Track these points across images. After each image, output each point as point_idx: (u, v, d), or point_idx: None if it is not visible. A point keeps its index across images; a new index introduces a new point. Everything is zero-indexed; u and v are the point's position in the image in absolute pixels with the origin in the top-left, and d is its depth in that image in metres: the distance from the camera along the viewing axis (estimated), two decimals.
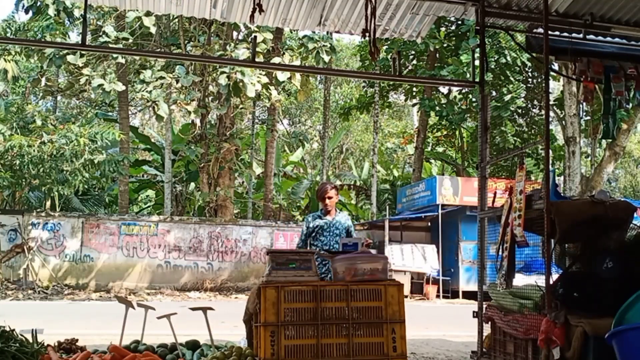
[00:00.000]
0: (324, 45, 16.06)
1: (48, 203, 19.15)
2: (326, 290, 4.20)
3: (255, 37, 7.75)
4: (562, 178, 17.16)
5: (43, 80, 17.52)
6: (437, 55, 21.41)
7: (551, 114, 19.27)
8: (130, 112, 22.87)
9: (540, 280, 4.57)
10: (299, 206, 26.52)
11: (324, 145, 23.50)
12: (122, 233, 17.11)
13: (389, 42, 19.12)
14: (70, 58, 15.19)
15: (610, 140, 13.23)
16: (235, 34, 18.73)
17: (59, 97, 25.69)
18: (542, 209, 4.54)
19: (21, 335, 4.75)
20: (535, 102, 22.45)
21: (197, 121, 18.33)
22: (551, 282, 4.42)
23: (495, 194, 5.73)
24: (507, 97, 19.45)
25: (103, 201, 24.15)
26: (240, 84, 15.43)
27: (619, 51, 6.31)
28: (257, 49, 13.48)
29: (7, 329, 4.61)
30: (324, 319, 4.15)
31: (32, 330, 4.93)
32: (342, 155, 33.58)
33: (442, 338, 8.32)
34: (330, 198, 5.90)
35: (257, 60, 8.49)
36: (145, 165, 23.85)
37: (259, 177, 24.01)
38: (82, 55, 15.49)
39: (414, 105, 25.35)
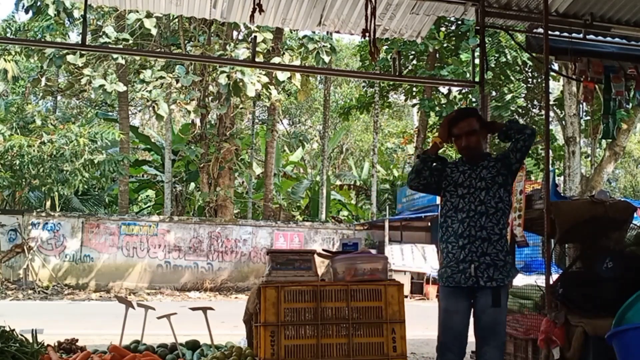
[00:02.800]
0: (324, 46, 16.06)
1: (48, 203, 19.15)
2: (326, 290, 4.20)
3: (255, 37, 7.76)
4: (562, 178, 17.14)
5: (43, 80, 17.53)
6: (437, 55, 21.41)
7: (551, 114, 19.27)
8: (130, 112, 22.88)
9: (540, 280, 4.58)
10: (299, 206, 26.51)
11: (324, 145, 23.49)
12: (122, 233, 17.11)
13: (389, 42, 19.11)
14: (70, 58, 15.19)
15: (610, 140, 13.22)
16: (235, 34, 18.74)
17: (59, 97, 25.69)
18: (542, 209, 4.54)
19: (21, 335, 4.75)
20: (535, 102, 22.44)
21: (197, 121, 18.33)
22: (551, 282, 4.42)
23: None
24: (508, 97, 19.43)
25: (103, 201, 24.15)
26: (240, 83, 15.43)
27: (619, 51, 6.31)
28: (257, 49, 13.47)
29: (7, 329, 4.61)
30: (324, 319, 4.15)
31: (32, 330, 4.93)
32: (342, 155, 33.58)
33: None
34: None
35: (257, 60, 8.50)
36: (145, 165, 23.85)
37: (259, 177, 24.01)
38: (81, 56, 15.49)
39: (413, 105, 25.34)
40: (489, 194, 3.49)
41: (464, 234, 3.44)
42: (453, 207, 3.53)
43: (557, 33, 6.11)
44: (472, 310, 3.48)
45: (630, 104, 6.47)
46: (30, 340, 4.74)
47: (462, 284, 3.41)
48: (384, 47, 19.71)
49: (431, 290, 17.25)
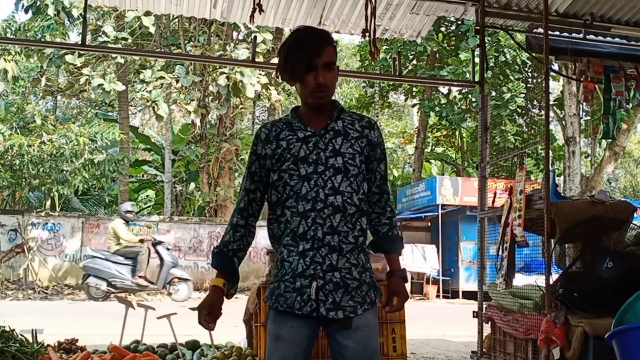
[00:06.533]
0: None
1: (48, 203, 19.15)
2: None
3: (255, 37, 7.74)
4: (562, 178, 17.15)
5: (43, 80, 17.53)
6: (437, 55, 21.42)
7: (551, 114, 19.27)
8: (130, 112, 22.88)
9: (540, 280, 4.57)
10: None
11: None
12: None
13: (388, 42, 19.12)
14: (68, 58, 15.18)
15: (610, 140, 13.23)
16: (235, 34, 18.74)
17: (58, 97, 25.69)
18: (542, 209, 4.54)
19: (21, 335, 4.75)
20: (535, 102, 22.46)
21: (197, 121, 18.33)
22: (551, 282, 4.43)
23: (495, 194, 5.74)
24: (507, 96, 19.44)
25: (103, 201, 24.15)
26: (240, 84, 15.44)
27: (619, 51, 6.32)
28: (257, 49, 13.47)
29: (7, 329, 4.61)
30: None
31: (32, 330, 4.93)
32: None
33: (442, 338, 8.32)
34: None
35: (257, 60, 8.50)
36: (145, 165, 23.85)
37: None
38: (81, 55, 15.49)
39: (413, 105, 25.35)
40: (347, 179, 2.24)
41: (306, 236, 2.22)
42: (294, 193, 2.23)
43: (557, 33, 6.12)
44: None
45: (630, 104, 6.47)
46: (30, 340, 4.75)
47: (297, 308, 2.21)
48: (384, 47, 19.71)
49: (431, 290, 17.27)
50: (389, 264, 2.44)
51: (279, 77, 2.37)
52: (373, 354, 2.24)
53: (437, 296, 17.20)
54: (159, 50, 17.09)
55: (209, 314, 2.29)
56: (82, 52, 14.04)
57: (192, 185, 22.08)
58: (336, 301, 2.19)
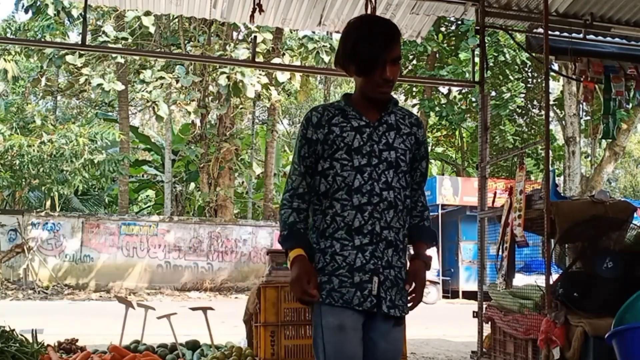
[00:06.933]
0: (323, 46, 16.07)
1: (48, 203, 19.15)
2: None
3: (255, 37, 7.76)
4: (562, 178, 17.15)
5: (43, 80, 17.55)
6: (437, 55, 21.42)
7: (551, 114, 19.27)
8: (130, 112, 22.86)
9: (540, 280, 4.57)
10: None
11: None
12: (122, 233, 17.10)
13: None
14: (69, 58, 15.20)
15: (610, 140, 13.24)
16: (235, 34, 18.74)
17: (59, 97, 25.68)
18: (542, 209, 4.54)
19: (21, 335, 4.76)
20: (535, 102, 22.45)
21: (197, 121, 18.33)
22: (551, 282, 4.43)
23: (495, 194, 5.74)
24: (507, 96, 19.46)
25: (103, 201, 24.15)
26: (240, 84, 15.44)
27: (619, 51, 6.32)
28: (257, 49, 13.48)
29: (7, 329, 4.61)
30: None
31: (32, 330, 4.93)
32: None
33: (442, 338, 8.33)
34: None
35: (257, 60, 8.50)
36: (145, 165, 23.85)
37: (259, 177, 24.01)
38: (81, 55, 15.50)
39: (413, 105, 25.34)
40: (397, 175, 2.18)
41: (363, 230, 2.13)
42: (345, 185, 2.14)
43: (557, 33, 6.12)
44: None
45: (630, 104, 6.47)
46: (30, 340, 4.75)
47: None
48: None
49: (431, 290, 17.25)
50: (415, 249, 2.36)
51: (335, 63, 2.28)
52: (398, 356, 2.24)
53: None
54: (159, 50, 17.10)
55: (308, 282, 2.08)
56: (82, 52, 14.05)
57: (192, 185, 22.08)
58: (392, 299, 2.15)
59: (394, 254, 2.17)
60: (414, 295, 2.23)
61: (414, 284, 2.24)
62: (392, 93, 2.35)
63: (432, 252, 2.73)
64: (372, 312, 2.12)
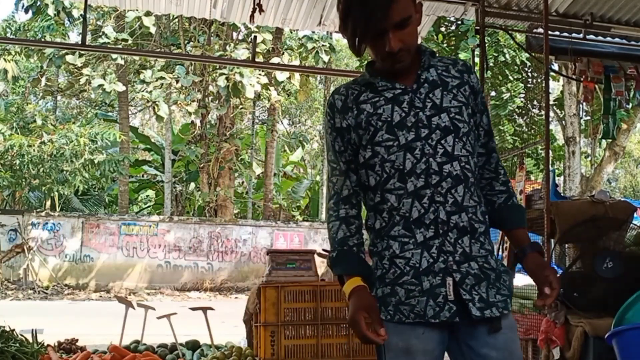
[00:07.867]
0: (323, 45, 16.07)
1: (48, 203, 19.15)
2: (326, 290, 4.20)
3: (255, 37, 7.76)
4: (562, 178, 17.16)
5: (43, 80, 17.55)
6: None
7: (551, 114, 19.28)
8: (130, 112, 22.86)
9: None
10: (299, 206, 26.51)
11: (324, 146, 23.50)
12: (122, 233, 17.10)
13: None
14: (69, 58, 15.21)
15: (610, 140, 13.24)
16: (235, 34, 18.75)
17: (59, 97, 25.69)
18: (542, 209, 4.54)
19: (21, 335, 4.76)
20: (535, 102, 22.45)
21: (197, 121, 18.34)
22: None
23: None
24: (507, 96, 19.46)
25: (103, 201, 24.15)
26: (240, 84, 15.45)
27: (619, 51, 6.32)
28: (257, 49, 13.48)
29: (7, 329, 4.61)
30: (323, 319, 4.16)
31: (32, 330, 4.94)
32: None
33: None
34: None
35: (257, 60, 8.50)
36: (145, 165, 23.85)
37: (259, 177, 24.01)
38: (81, 55, 15.51)
39: None
40: (459, 140, 1.75)
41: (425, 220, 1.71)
42: (396, 171, 1.72)
43: (557, 33, 6.12)
44: None
45: (630, 104, 6.47)
46: (30, 340, 4.75)
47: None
48: None
49: None
50: (515, 241, 1.98)
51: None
52: None
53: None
54: (159, 50, 17.10)
55: (369, 317, 1.67)
56: (82, 52, 14.06)
57: (192, 185, 22.08)
58: (484, 297, 1.70)
59: (472, 242, 1.73)
60: (554, 289, 1.89)
61: (547, 289, 1.89)
62: None
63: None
64: (456, 323, 1.69)
